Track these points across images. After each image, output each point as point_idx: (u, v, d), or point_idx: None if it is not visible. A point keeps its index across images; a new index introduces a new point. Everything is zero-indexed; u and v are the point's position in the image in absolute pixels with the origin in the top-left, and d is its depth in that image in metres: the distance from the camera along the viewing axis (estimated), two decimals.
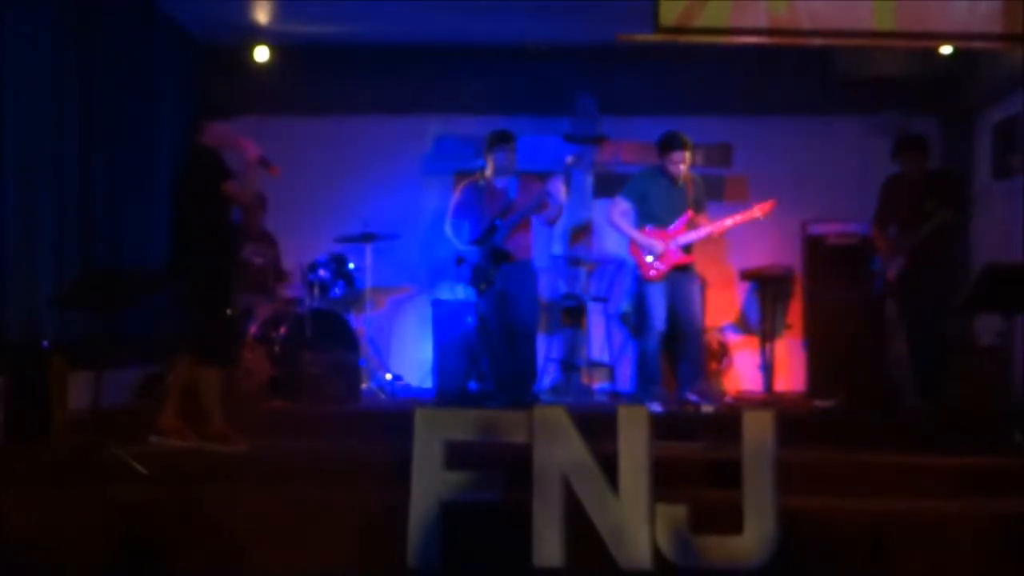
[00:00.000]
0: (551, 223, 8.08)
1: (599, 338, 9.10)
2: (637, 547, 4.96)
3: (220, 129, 6.56)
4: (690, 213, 7.73)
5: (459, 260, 7.92)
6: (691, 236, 7.70)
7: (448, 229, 8.00)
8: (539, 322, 8.32)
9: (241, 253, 8.81)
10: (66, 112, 7.20)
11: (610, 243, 9.09)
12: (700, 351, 7.89)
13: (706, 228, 7.72)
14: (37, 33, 6.87)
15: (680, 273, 7.71)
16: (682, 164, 7.69)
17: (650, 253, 7.64)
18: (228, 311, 6.59)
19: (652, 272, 7.64)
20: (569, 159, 8.19)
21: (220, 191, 6.37)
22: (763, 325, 8.90)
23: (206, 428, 6.39)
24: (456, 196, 8.09)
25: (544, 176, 7.99)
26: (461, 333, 8.59)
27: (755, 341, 9.17)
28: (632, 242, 7.74)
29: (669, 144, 7.72)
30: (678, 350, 7.88)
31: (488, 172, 7.96)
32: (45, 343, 6.38)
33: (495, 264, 7.73)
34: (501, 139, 7.94)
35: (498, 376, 7.81)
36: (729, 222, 7.72)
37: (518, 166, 8.10)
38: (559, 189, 7.75)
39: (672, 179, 7.73)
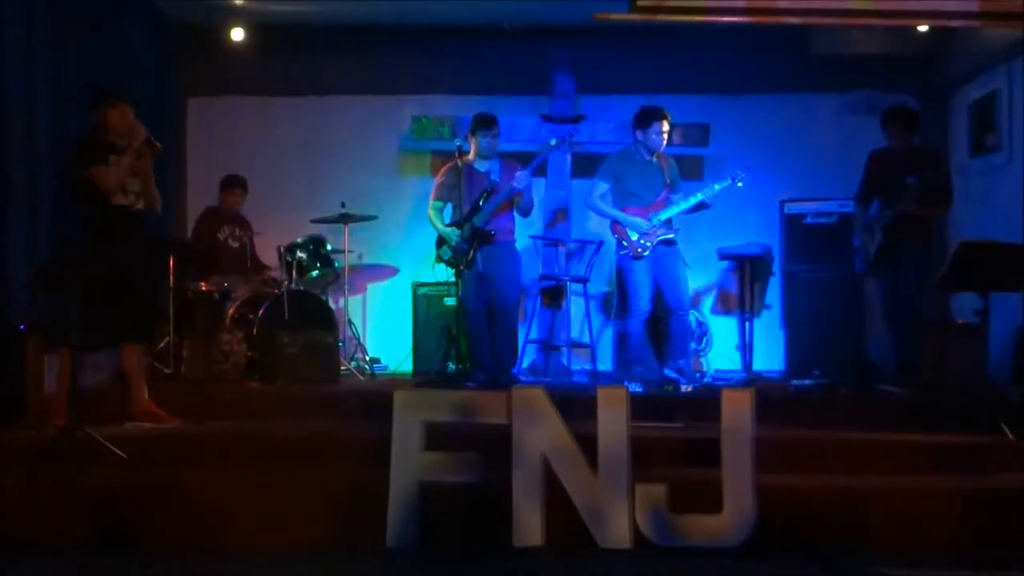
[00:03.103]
0: (524, 215, 8.03)
1: (578, 318, 9.09)
2: (616, 526, 4.99)
3: (114, 115, 6.38)
4: (667, 190, 7.71)
5: (440, 241, 7.89)
6: (672, 210, 7.67)
7: (430, 211, 7.96)
8: (520, 303, 8.31)
9: (217, 235, 8.89)
10: (39, 92, 7.13)
11: (589, 223, 9.08)
12: (686, 329, 7.85)
13: (685, 201, 7.67)
14: (7, 12, 6.80)
15: (664, 248, 7.66)
16: (664, 134, 7.67)
17: (635, 231, 7.59)
18: (139, 291, 6.41)
19: (638, 250, 7.59)
20: (552, 141, 8.14)
21: (83, 178, 6.27)
22: (741, 304, 8.89)
23: (132, 407, 6.39)
24: (438, 178, 8.04)
25: (525, 157, 7.95)
26: (440, 314, 8.60)
27: (733, 321, 9.17)
28: (614, 222, 7.70)
29: (650, 116, 7.69)
30: (662, 327, 7.87)
31: (471, 155, 7.93)
32: (22, 326, 6.34)
33: (477, 245, 7.71)
34: (485, 124, 7.90)
35: (477, 357, 7.80)
36: (709, 191, 7.68)
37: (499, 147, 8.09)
38: (525, 181, 7.69)
39: (647, 155, 7.71)
